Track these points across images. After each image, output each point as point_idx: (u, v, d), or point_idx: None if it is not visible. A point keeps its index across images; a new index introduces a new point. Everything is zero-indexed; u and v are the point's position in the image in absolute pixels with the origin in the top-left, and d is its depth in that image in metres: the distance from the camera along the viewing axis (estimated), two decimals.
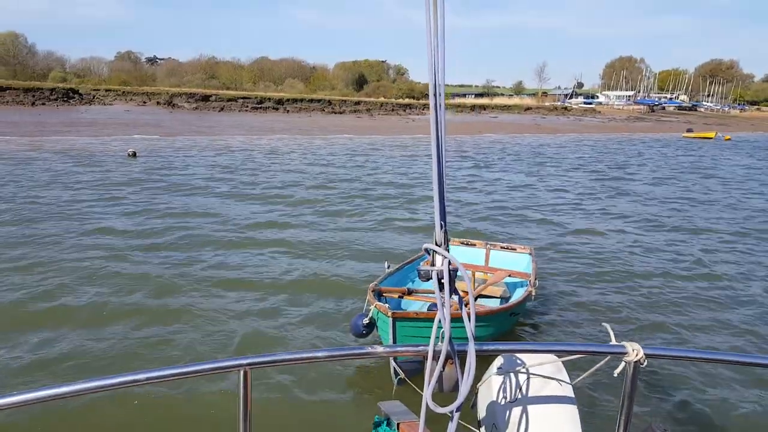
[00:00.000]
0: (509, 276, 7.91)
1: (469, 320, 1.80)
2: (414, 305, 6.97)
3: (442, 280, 1.77)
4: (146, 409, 5.37)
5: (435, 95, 1.80)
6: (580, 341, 7.00)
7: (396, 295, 6.87)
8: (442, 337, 1.78)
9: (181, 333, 7.09)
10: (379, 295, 6.59)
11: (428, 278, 1.80)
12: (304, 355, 1.92)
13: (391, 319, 5.65)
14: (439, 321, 1.77)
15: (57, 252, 10.04)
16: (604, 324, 2.66)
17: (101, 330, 7.06)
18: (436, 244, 1.83)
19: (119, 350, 6.61)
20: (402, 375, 5.55)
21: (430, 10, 1.78)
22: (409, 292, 6.97)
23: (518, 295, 7.38)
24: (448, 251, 1.82)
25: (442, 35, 1.79)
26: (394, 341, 5.78)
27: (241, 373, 1.74)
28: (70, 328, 7.07)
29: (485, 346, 2.04)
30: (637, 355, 2.02)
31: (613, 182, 22.79)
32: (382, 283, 7.07)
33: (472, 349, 1.77)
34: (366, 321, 6.05)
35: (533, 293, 7.07)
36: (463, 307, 1.86)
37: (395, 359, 5.70)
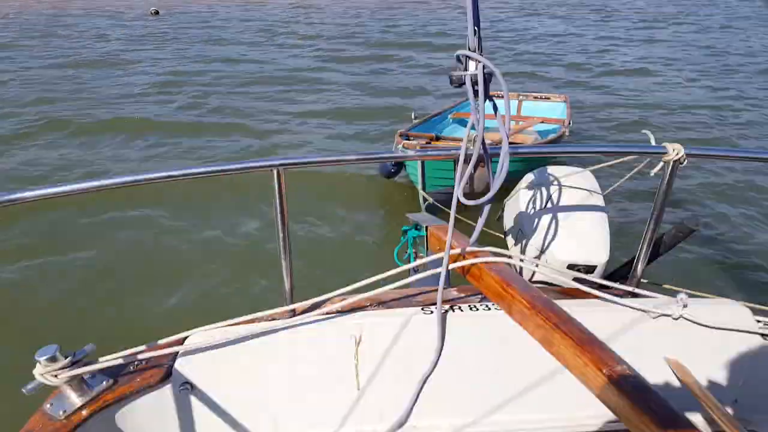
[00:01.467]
0: (542, 122, 7.83)
1: (504, 124, 1.81)
2: None
3: (476, 87, 1.68)
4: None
5: None
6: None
7: (424, 141, 6.93)
8: (475, 141, 1.76)
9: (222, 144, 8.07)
10: (407, 139, 6.68)
11: (461, 83, 1.69)
12: (336, 158, 1.91)
13: None
14: (473, 125, 1.73)
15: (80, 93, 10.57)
16: (644, 131, 2.59)
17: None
18: (470, 50, 1.80)
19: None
20: (431, 200, 5.77)
21: None
22: (437, 138, 6.99)
23: (551, 136, 7.37)
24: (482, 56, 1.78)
25: None
26: (423, 178, 5.97)
27: (275, 172, 1.75)
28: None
29: (519, 149, 2.03)
30: (677, 154, 1.95)
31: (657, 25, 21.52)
32: (411, 130, 7.12)
33: (505, 148, 1.76)
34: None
35: (566, 133, 7.10)
36: (498, 113, 1.85)
37: (424, 188, 5.95)
